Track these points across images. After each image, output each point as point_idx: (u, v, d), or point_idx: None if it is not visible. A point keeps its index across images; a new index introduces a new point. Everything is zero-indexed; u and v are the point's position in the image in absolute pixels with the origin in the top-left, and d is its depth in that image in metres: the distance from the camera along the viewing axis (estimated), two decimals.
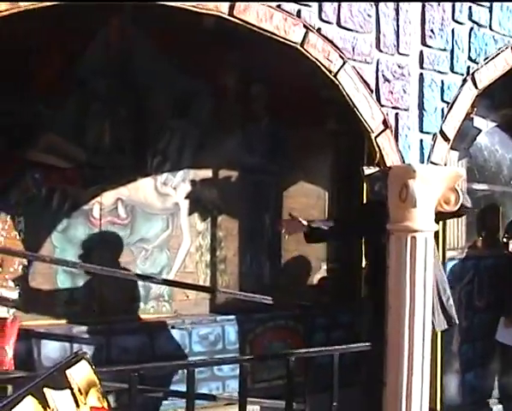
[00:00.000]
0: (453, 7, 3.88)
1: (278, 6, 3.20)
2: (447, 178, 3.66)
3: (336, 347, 3.88)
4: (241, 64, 5.03)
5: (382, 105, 3.64)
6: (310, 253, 5.59)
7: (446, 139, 3.90)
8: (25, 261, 4.41)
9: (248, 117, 5.25)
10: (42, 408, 1.89)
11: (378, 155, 3.67)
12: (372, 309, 4.18)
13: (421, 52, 3.79)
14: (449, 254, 5.28)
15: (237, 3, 3.08)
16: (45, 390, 1.97)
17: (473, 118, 5.16)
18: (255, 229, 5.37)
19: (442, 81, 3.87)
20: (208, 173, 5.12)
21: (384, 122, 3.65)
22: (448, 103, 3.90)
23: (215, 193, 5.16)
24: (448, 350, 5.29)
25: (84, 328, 4.51)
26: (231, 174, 5.21)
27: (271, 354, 3.92)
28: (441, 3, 3.82)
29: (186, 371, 3.42)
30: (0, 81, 4.06)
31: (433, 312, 3.95)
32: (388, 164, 3.66)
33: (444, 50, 3.87)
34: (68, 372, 2.16)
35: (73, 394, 2.12)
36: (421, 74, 3.80)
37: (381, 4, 3.60)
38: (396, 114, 3.71)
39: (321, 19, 3.37)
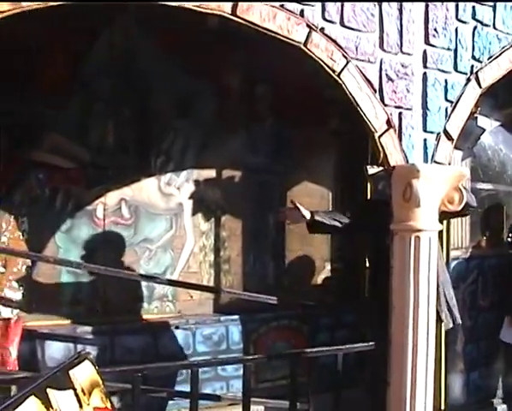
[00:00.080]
0: (456, 6, 3.87)
1: (281, 6, 3.20)
2: (451, 178, 3.66)
3: (340, 347, 3.88)
4: (244, 64, 5.03)
5: (385, 105, 3.63)
6: (314, 253, 5.59)
7: (450, 138, 3.89)
8: (28, 262, 4.41)
9: (252, 117, 5.25)
10: (45, 409, 1.89)
11: (381, 155, 3.66)
12: (376, 309, 4.17)
13: (425, 51, 3.78)
14: (453, 254, 5.26)
15: (240, 3, 3.08)
16: (48, 390, 1.97)
17: (476, 117, 5.15)
18: (259, 229, 5.37)
19: (445, 80, 3.86)
20: (212, 173, 5.13)
21: (388, 122, 3.64)
22: (451, 102, 3.89)
23: (218, 194, 5.16)
24: (452, 350, 5.28)
25: (88, 328, 4.51)
26: (235, 174, 5.21)
27: (275, 354, 3.90)
28: (444, 2, 3.81)
29: (189, 371, 3.42)
30: (4, 81, 4.06)
31: (442, 310, 3.96)
32: (391, 164, 3.65)
33: (448, 49, 3.86)
34: (71, 372, 2.15)
35: (76, 394, 2.11)
36: (425, 74, 3.79)
37: (384, 3, 3.59)
38: (400, 113, 3.70)
39: (324, 18, 3.37)
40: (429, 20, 3.77)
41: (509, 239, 5.80)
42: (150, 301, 4.90)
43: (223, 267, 5.24)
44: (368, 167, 3.76)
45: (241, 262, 5.31)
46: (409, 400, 3.57)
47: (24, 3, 2.58)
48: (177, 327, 4.85)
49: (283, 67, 4.38)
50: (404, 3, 3.66)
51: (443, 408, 5.06)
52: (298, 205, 4.15)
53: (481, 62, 4.00)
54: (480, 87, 4.01)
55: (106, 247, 4.70)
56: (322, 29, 3.36)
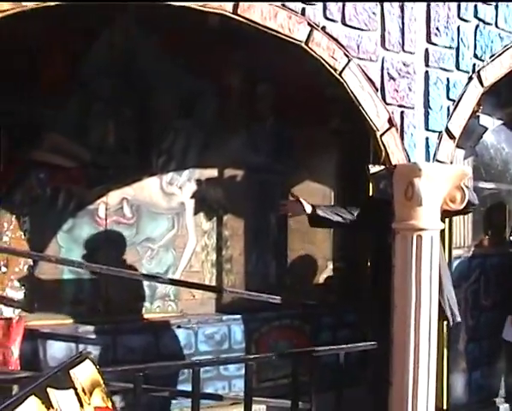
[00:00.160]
0: (458, 4, 3.86)
1: (283, 4, 3.19)
2: (453, 176, 3.65)
3: (342, 346, 3.87)
4: (245, 64, 5.03)
5: (387, 103, 3.62)
6: (316, 252, 5.59)
7: (452, 137, 3.88)
8: (30, 261, 4.41)
9: (253, 117, 5.25)
10: (45, 408, 1.89)
11: (383, 153, 3.65)
12: (378, 308, 4.16)
13: (427, 50, 3.77)
14: (455, 253, 5.25)
15: (241, 2, 3.07)
16: (49, 389, 1.97)
17: (479, 116, 5.13)
18: (261, 229, 5.37)
19: (447, 79, 3.85)
20: (213, 172, 5.12)
21: (390, 121, 3.63)
22: (453, 101, 3.88)
23: (220, 193, 5.16)
24: (454, 349, 5.27)
25: (90, 328, 4.51)
26: (236, 173, 5.21)
27: (277, 353, 3.90)
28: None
29: (191, 370, 3.42)
30: (4, 82, 4.06)
31: (445, 309, 3.96)
32: (393, 163, 3.64)
33: (450, 47, 3.85)
34: (72, 371, 2.15)
35: (77, 394, 2.11)
36: (427, 72, 3.78)
37: (386, 2, 3.58)
38: (402, 112, 3.69)
39: (326, 17, 3.36)
40: (431, 19, 3.76)
41: None
42: (152, 301, 4.90)
43: (225, 266, 5.24)
44: (370, 166, 3.75)
45: (243, 261, 5.31)
46: (411, 399, 3.56)
47: (24, 3, 2.57)
48: (179, 326, 4.85)
49: (285, 66, 4.38)
50: (406, 2, 3.65)
51: (445, 407, 5.06)
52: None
53: (483, 60, 3.99)
54: (482, 86, 4.00)
55: (108, 247, 4.70)
56: (323, 28, 3.35)
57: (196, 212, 5.08)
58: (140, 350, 4.60)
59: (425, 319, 3.54)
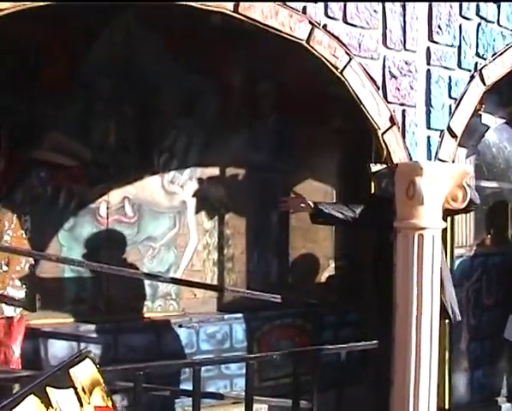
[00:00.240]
0: (460, 3, 3.85)
1: (284, 3, 3.18)
2: (454, 175, 3.64)
3: (343, 345, 3.86)
4: (246, 63, 5.02)
5: (389, 102, 3.61)
6: (318, 251, 5.58)
7: (454, 135, 3.87)
8: (31, 260, 4.41)
9: (255, 115, 5.24)
10: (44, 408, 1.88)
11: (384, 152, 3.64)
12: (380, 307, 4.16)
13: (428, 48, 3.76)
14: (457, 252, 5.24)
15: (241, 2, 3.06)
16: (48, 389, 1.96)
17: (481, 115, 5.12)
18: (262, 227, 5.36)
19: (449, 78, 3.84)
20: (215, 171, 5.12)
21: (391, 119, 3.62)
22: (455, 99, 3.87)
23: (222, 191, 5.15)
24: (456, 348, 5.27)
25: (91, 327, 4.52)
26: (238, 172, 5.20)
27: (278, 352, 3.89)
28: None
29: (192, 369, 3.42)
30: (6, 81, 4.07)
31: (447, 308, 3.95)
32: (395, 161, 3.63)
33: (452, 46, 3.84)
34: (71, 370, 2.15)
35: (76, 393, 2.11)
36: (428, 71, 3.77)
37: (388, 2, 3.57)
38: (403, 111, 3.68)
39: (327, 15, 3.34)
40: (432, 17, 3.75)
41: None
42: (153, 300, 4.90)
43: (226, 265, 5.23)
44: (371, 165, 3.74)
45: (245, 260, 5.31)
46: (413, 398, 3.55)
47: (25, 2, 2.57)
48: (181, 325, 4.85)
49: (286, 65, 4.38)
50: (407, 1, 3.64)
51: (447, 406, 5.05)
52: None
53: (485, 59, 3.98)
54: (484, 84, 3.99)
55: (109, 246, 4.70)
56: (324, 26, 3.33)
57: (198, 211, 5.08)
58: (142, 349, 4.60)
59: (426, 318, 3.53)
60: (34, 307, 4.39)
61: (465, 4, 3.86)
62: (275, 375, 4.97)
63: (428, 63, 3.76)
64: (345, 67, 3.44)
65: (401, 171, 3.63)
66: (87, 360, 2.30)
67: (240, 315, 5.10)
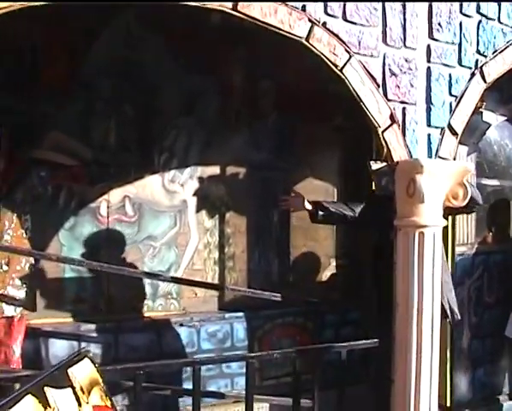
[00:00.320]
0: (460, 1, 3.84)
1: (283, 0, 3.17)
2: (455, 173, 3.62)
3: (344, 344, 3.85)
4: (246, 62, 5.03)
5: (389, 100, 3.59)
6: (319, 250, 5.57)
7: (454, 133, 3.86)
8: (32, 259, 4.41)
9: (255, 114, 5.23)
10: (42, 407, 1.88)
11: (385, 150, 3.63)
12: (380, 306, 4.15)
13: (428, 46, 3.74)
14: (458, 250, 5.23)
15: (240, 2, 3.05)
16: (46, 389, 1.95)
17: (482, 112, 5.11)
18: (263, 226, 5.36)
19: (450, 75, 3.82)
20: (216, 170, 5.11)
21: (391, 117, 3.60)
22: (456, 97, 3.85)
23: (223, 190, 5.15)
24: (457, 347, 5.26)
25: (92, 326, 4.51)
26: (239, 170, 5.19)
27: (278, 351, 3.88)
28: None
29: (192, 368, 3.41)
30: (6, 81, 4.07)
31: (445, 307, 3.94)
32: (395, 159, 3.62)
33: (452, 43, 3.82)
34: (69, 370, 2.14)
35: (75, 392, 2.10)
36: (429, 68, 3.75)
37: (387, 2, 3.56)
38: (404, 108, 3.66)
39: (326, 13, 3.33)
40: (433, 15, 3.72)
41: None
42: (154, 299, 4.90)
43: (227, 264, 5.23)
44: (371, 162, 3.72)
45: (246, 259, 5.30)
46: (413, 397, 3.54)
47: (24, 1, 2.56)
48: (181, 325, 4.85)
49: (286, 63, 4.37)
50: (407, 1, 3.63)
51: (448, 404, 5.04)
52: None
53: (486, 56, 3.96)
54: (485, 82, 3.97)
55: (110, 245, 4.70)
56: (324, 24, 3.32)
57: (198, 210, 5.07)
58: (143, 348, 4.60)
59: (427, 317, 3.52)
60: (34, 307, 4.38)
61: (465, 1, 3.85)
62: (276, 374, 4.96)
63: (428, 61, 3.74)
64: (345, 64, 3.42)
65: (402, 169, 3.62)
66: (86, 359, 2.30)
67: (241, 314, 5.09)
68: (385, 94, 3.58)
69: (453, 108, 3.84)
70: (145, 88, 4.69)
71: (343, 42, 3.40)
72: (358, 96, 3.50)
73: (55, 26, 4.11)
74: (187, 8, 2.96)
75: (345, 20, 3.40)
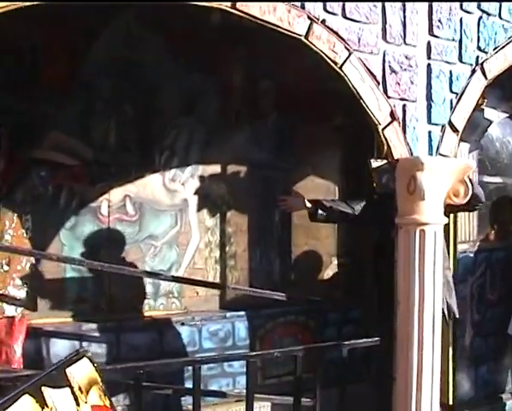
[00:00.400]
0: None
1: None
2: (456, 170, 3.61)
3: (345, 342, 3.84)
4: (246, 62, 5.02)
5: (389, 97, 3.59)
6: (320, 248, 5.56)
7: (455, 130, 3.85)
8: (32, 259, 4.40)
9: (255, 113, 5.22)
10: (39, 407, 1.87)
11: (385, 147, 3.62)
12: (381, 304, 4.14)
13: (429, 43, 3.73)
14: (460, 247, 5.22)
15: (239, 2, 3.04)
16: (43, 388, 1.95)
17: (483, 109, 5.09)
18: (264, 225, 5.35)
19: (450, 72, 3.81)
20: (216, 169, 5.10)
21: (392, 114, 3.60)
22: (456, 94, 3.84)
23: (224, 189, 5.14)
24: (460, 344, 5.24)
25: (93, 326, 4.50)
26: (240, 169, 5.18)
27: (279, 350, 3.87)
28: None
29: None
30: (6, 81, 4.07)
31: (443, 305, 3.93)
32: (396, 157, 3.61)
33: (452, 40, 3.81)
34: (68, 370, 2.14)
35: (73, 392, 2.09)
36: (429, 65, 3.74)
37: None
38: (404, 105, 3.66)
39: (326, 10, 3.32)
40: (433, 11, 3.72)
41: None
42: (155, 298, 4.89)
43: (228, 263, 5.22)
44: (372, 160, 3.71)
45: (247, 258, 5.30)
46: (415, 395, 3.53)
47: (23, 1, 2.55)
48: (183, 324, 4.84)
49: (286, 63, 4.36)
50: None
51: (451, 402, 5.03)
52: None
53: (487, 52, 3.95)
54: (486, 78, 3.96)
55: (111, 244, 4.69)
56: (323, 21, 3.31)
57: (199, 209, 5.06)
58: (144, 348, 4.59)
59: (428, 315, 3.51)
60: (35, 307, 4.38)
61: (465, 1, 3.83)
62: (278, 373, 4.96)
63: (429, 58, 3.73)
64: (344, 62, 3.41)
65: (402, 166, 3.61)
66: (84, 359, 2.29)
67: (242, 313, 5.08)
68: (385, 91, 3.57)
69: (454, 105, 3.83)
70: (145, 88, 4.68)
71: (343, 39, 3.39)
72: (358, 93, 3.49)
73: (55, 26, 4.10)
74: (187, 7, 2.95)
75: (345, 17, 3.39)
